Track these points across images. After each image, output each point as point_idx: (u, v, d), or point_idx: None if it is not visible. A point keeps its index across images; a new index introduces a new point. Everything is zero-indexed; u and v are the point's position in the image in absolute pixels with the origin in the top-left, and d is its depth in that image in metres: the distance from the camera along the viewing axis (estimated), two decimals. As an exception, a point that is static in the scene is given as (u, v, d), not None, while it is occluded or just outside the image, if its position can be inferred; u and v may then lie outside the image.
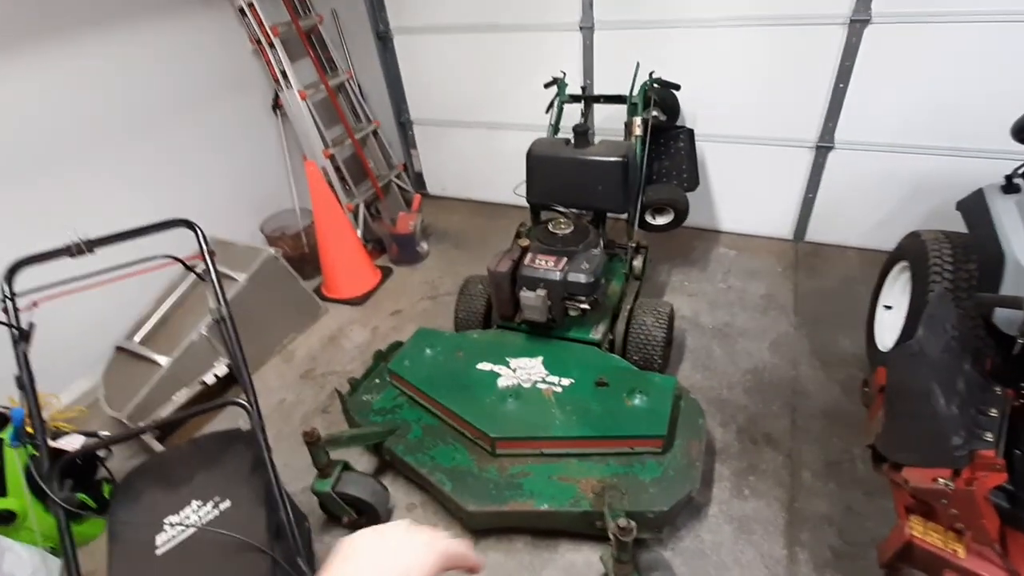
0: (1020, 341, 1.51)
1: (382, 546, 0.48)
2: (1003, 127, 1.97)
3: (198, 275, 1.60)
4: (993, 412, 1.50)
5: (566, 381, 2.03)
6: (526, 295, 2.11)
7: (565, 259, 2.12)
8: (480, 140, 3.80)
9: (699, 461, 1.79)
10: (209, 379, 2.46)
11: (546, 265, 2.11)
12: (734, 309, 2.76)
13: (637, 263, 2.48)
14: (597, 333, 2.24)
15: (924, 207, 2.83)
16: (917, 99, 2.58)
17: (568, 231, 2.25)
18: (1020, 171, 1.95)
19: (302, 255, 3.36)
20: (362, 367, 2.64)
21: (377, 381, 2.28)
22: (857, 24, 2.51)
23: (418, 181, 4.25)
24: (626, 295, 2.45)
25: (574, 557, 1.79)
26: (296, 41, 3.22)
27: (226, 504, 1.42)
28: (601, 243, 2.30)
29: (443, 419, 2.05)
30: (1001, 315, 1.64)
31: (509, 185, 3.95)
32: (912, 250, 2.09)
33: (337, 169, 3.40)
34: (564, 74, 2.76)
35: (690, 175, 2.74)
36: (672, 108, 2.88)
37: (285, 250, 3.31)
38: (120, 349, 2.46)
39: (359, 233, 3.43)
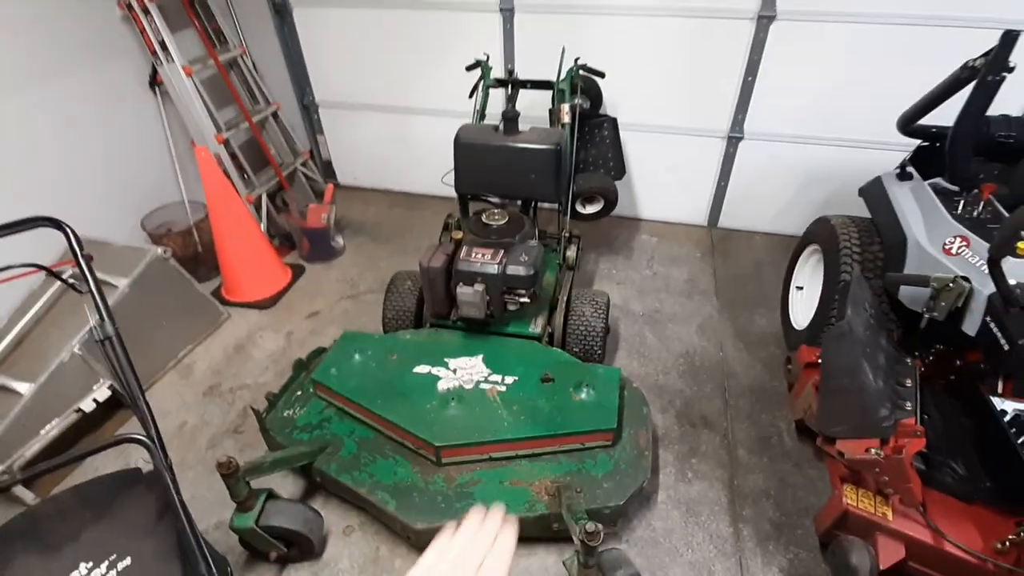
0: (926, 316, 1.66)
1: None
2: (889, 121, 2.18)
3: (69, 285, 1.29)
4: (908, 383, 1.63)
5: (510, 379, 1.94)
6: (463, 291, 1.99)
7: (502, 251, 2.02)
8: (394, 126, 3.57)
9: (648, 451, 1.79)
10: (87, 405, 2.07)
11: (483, 258, 2.00)
12: (661, 295, 2.83)
13: (571, 253, 2.44)
14: (536, 327, 2.18)
15: (821, 194, 3.08)
16: (817, 93, 2.77)
17: (503, 222, 2.15)
18: (909, 160, 2.16)
19: (195, 254, 2.95)
20: (277, 379, 2.38)
21: (299, 394, 2.05)
22: (764, 20, 2.63)
23: (327, 170, 3.92)
24: (561, 286, 2.40)
25: (529, 563, 1.72)
26: (178, 9, 2.79)
27: (125, 563, 1.17)
28: (537, 233, 2.23)
29: (380, 430, 1.88)
30: (906, 292, 1.79)
31: (426, 174, 3.78)
32: (822, 234, 2.24)
33: (233, 156, 3.02)
34: (488, 56, 2.63)
35: (616, 164, 2.75)
36: (595, 96, 2.87)
37: (174, 249, 2.88)
38: (-40, 378, 1.99)
39: (263, 227, 3.08)
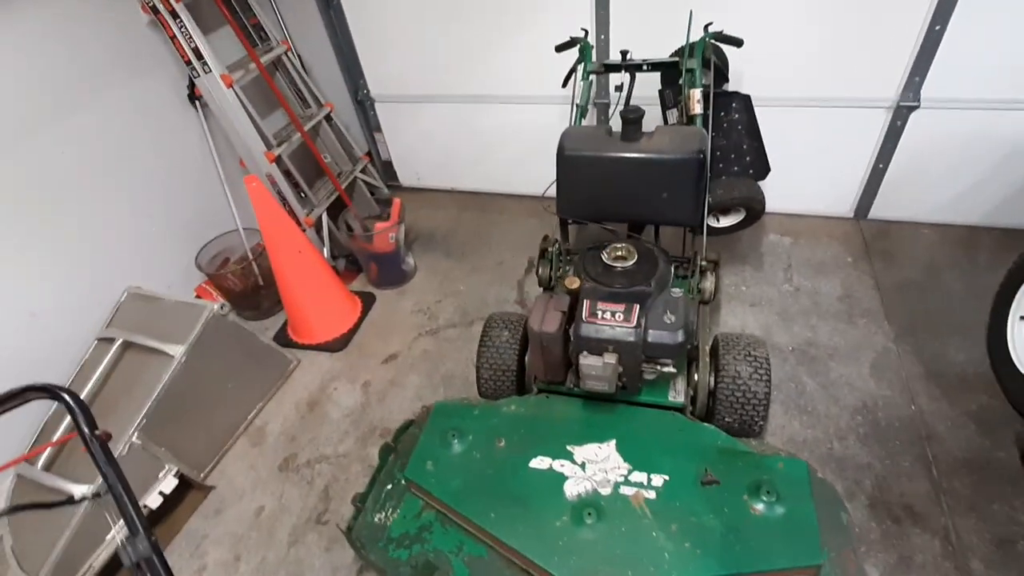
0: None
1: None
2: None
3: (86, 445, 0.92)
4: None
5: (657, 478, 1.48)
6: (589, 363, 1.52)
7: (637, 307, 1.53)
8: (459, 117, 3.07)
9: (862, 586, 1.30)
10: (153, 501, 1.80)
11: (613, 319, 1.51)
12: (811, 320, 2.25)
13: (708, 284, 1.91)
14: (678, 393, 1.70)
15: (1017, 173, 2.34)
16: (1035, 41, 2.03)
17: (632, 263, 1.64)
18: None
19: (255, 287, 2.64)
20: (358, 447, 2.04)
21: (389, 487, 1.68)
22: (969, -57, 1.91)
23: (387, 171, 3.48)
24: (697, 328, 1.89)
25: None
26: (210, 5, 2.36)
27: None
28: (672, 271, 1.72)
29: (495, 548, 1.48)
30: None
31: (498, 169, 3.28)
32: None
33: (287, 174, 2.63)
34: (586, 32, 2.06)
35: (756, 158, 2.14)
36: (722, 68, 2.24)
37: (232, 285, 2.58)
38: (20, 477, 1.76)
39: (326, 254, 2.71)
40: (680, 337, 1.48)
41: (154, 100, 2.39)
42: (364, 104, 3.18)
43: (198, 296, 2.65)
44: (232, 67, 2.42)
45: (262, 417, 2.22)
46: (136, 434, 1.75)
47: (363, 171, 3.07)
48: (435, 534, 1.55)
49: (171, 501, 1.88)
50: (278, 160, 2.55)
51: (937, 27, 2.09)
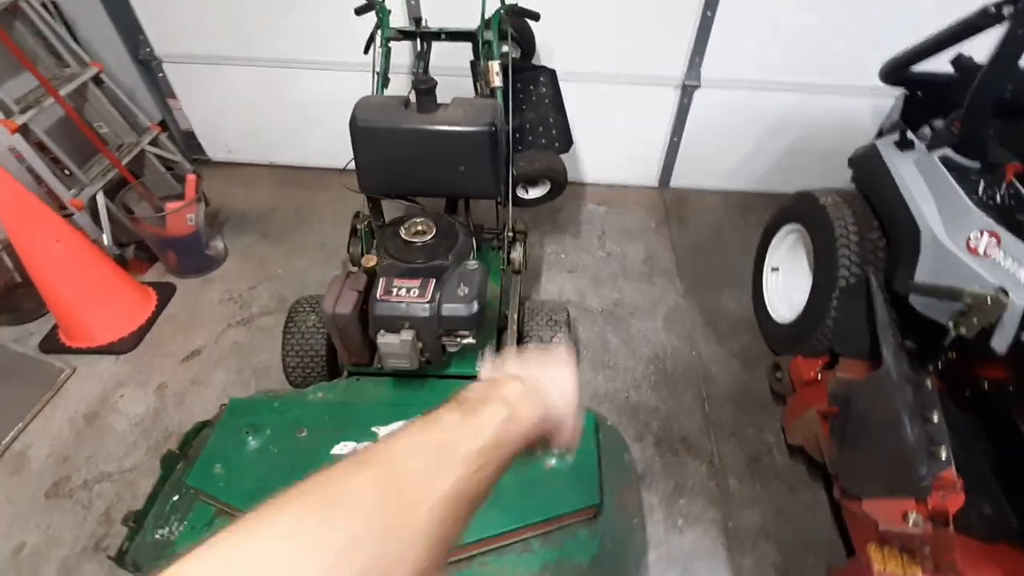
0: (953, 333, 1.39)
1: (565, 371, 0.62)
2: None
3: None
4: (935, 416, 1.38)
5: (461, 448, 1.51)
6: (386, 341, 1.49)
7: (433, 281, 1.52)
8: (269, 82, 2.79)
9: (638, 516, 1.47)
10: None
11: (409, 295, 1.49)
12: (619, 282, 2.46)
13: (516, 254, 1.97)
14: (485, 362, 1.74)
15: (781, 144, 2.75)
16: (786, 29, 2.36)
17: (430, 237, 1.63)
18: (901, 119, 1.83)
19: (11, 285, 2.19)
20: (148, 457, 1.82)
21: (176, 498, 1.51)
22: (726, -62, 2.13)
23: (190, 144, 3.07)
24: (508, 295, 1.96)
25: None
26: None
27: None
28: (473, 248, 1.74)
29: (295, 544, 1.41)
30: (921, 299, 1.52)
31: (319, 142, 3.06)
32: (807, 215, 1.92)
33: (41, 146, 2.18)
34: (382, -4, 1.96)
35: (560, 131, 2.23)
36: (528, 42, 2.30)
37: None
38: None
39: (106, 241, 2.32)
40: (474, 309, 1.50)
41: None
42: (148, 64, 2.74)
43: (-74, 301, 2.13)
44: (-62, 10, 1.92)
45: (23, 440, 1.87)
46: None
47: (154, 143, 2.67)
48: (229, 540, 1.43)
49: None
50: (23, 130, 2.10)
51: (708, 13, 2.34)
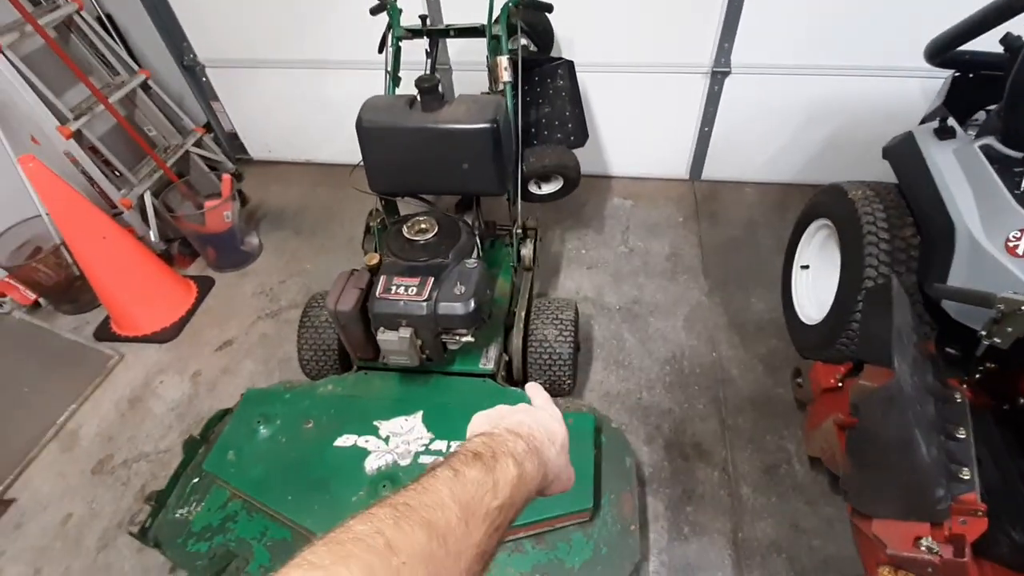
0: (985, 342, 1.26)
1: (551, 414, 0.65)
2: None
3: None
4: (961, 433, 1.26)
5: (457, 446, 1.53)
6: (385, 338, 1.52)
7: (431, 279, 1.54)
8: (303, 83, 2.89)
9: (635, 523, 1.44)
10: (-76, 524, 1.63)
11: (406, 294, 1.52)
12: (640, 279, 2.39)
13: (526, 251, 1.95)
14: (489, 361, 1.74)
15: (822, 133, 2.57)
16: (822, 7, 2.19)
17: (431, 236, 1.64)
18: (944, 105, 1.66)
19: (70, 279, 2.39)
20: (180, 440, 1.93)
21: (196, 481, 1.62)
22: (755, -87, 2.00)
23: (234, 144, 3.25)
24: (518, 294, 1.95)
25: (499, 673, 1.40)
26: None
27: None
28: (477, 247, 1.74)
29: (298, 530, 1.48)
30: (955, 305, 1.38)
31: (348, 140, 3.11)
32: (836, 210, 1.79)
33: (93, 150, 2.37)
34: (395, -5, 1.98)
35: (576, 125, 2.18)
36: (544, 34, 2.26)
37: (45, 278, 2.34)
38: None
39: (154, 238, 2.50)
40: (470, 308, 1.50)
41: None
42: (193, 70, 2.91)
43: (2, 294, 2.37)
44: (5, 29, 2.11)
45: (76, 420, 2.06)
46: None
47: (198, 144, 2.84)
48: (240, 523, 1.52)
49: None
50: (77, 136, 2.29)
51: (737, -6, 2.21)
